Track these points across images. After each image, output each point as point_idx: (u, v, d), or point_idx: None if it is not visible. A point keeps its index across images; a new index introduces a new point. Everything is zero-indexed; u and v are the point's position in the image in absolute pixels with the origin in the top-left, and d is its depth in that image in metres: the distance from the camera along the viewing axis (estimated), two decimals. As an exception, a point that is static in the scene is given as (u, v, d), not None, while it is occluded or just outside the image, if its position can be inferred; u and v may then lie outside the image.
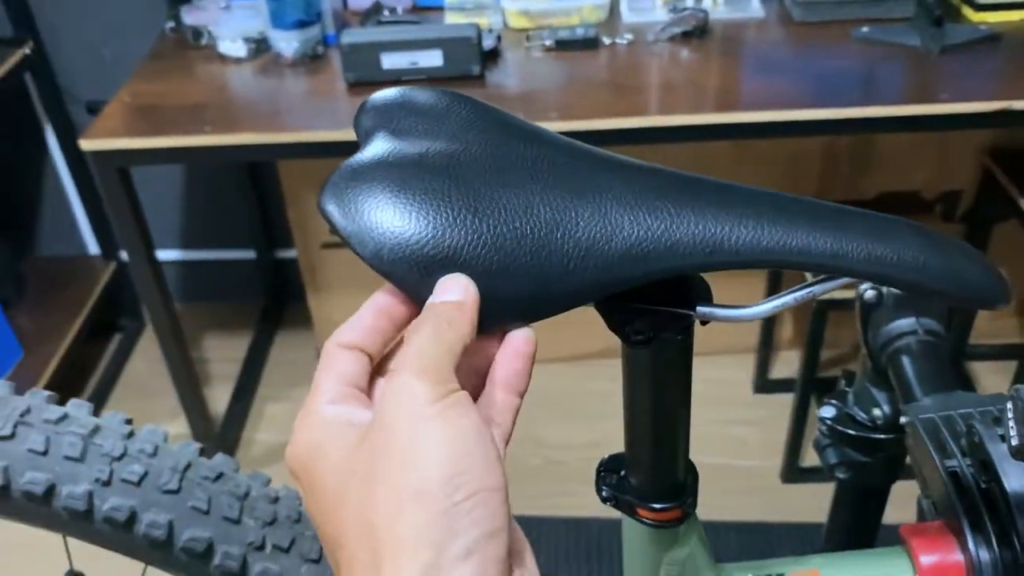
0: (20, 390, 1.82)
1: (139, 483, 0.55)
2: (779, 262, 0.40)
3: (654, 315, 0.42)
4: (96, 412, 1.91)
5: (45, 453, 0.54)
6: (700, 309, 0.42)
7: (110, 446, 0.56)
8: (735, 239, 0.40)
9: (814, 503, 1.78)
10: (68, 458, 0.54)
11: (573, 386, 2.05)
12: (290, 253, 2.18)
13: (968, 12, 1.63)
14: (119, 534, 0.55)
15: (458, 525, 0.33)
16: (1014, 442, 0.45)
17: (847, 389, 0.83)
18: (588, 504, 1.87)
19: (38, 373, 1.85)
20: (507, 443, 0.39)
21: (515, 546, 0.37)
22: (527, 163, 0.41)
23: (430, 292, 0.39)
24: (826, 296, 1.65)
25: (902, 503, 0.83)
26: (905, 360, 0.73)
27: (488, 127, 0.43)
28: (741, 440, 1.95)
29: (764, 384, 2.02)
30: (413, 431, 0.34)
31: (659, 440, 0.50)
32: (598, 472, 0.54)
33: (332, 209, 0.39)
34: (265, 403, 2.09)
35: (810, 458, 1.84)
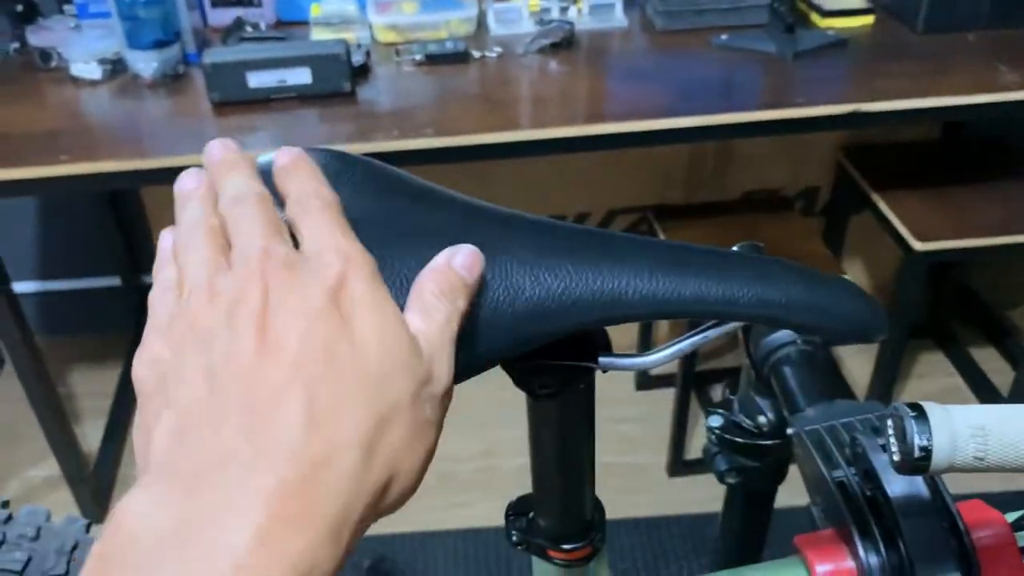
0: None
1: (22, 572, 0.51)
2: (675, 312, 0.41)
3: (559, 370, 0.42)
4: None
5: (-84, 547, 0.50)
6: (602, 360, 0.43)
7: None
8: (631, 292, 0.40)
9: (701, 494, 1.85)
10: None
11: (461, 394, 2.04)
12: (159, 278, 2.09)
13: (816, 19, 1.72)
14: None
15: None
16: (895, 458, 0.48)
17: (731, 397, 0.86)
18: (484, 515, 1.88)
19: None
20: None
21: None
22: (425, 227, 0.41)
23: None
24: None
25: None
26: (786, 370, 0.76)
27: (381, 191, 0.43)
28: (628, 438, 1.99)
29: (645, 381, 2.08)
30: None
31: (567, 485, 0.51)
32: (507, 516, 0.55)
33: None
34: (141, 437, 2.00)
35: (694, 451, 1.90)
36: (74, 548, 0.54)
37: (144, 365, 0.34)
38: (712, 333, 0.43)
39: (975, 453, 0.47)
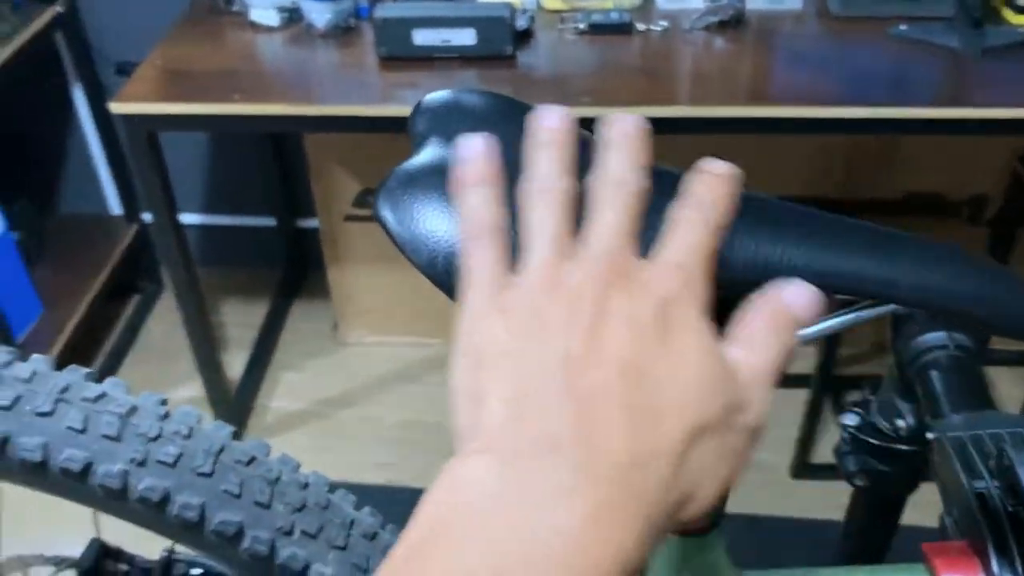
0: (39, 347, 1.84)
1: (174, 464, 0.55)
2: (830, 286, 0.40)
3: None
4: (111, 372, 1.92)
5: (83, 431, 0.55)
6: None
7: (146, 427, 0.56)
8: (788, 260, 0.39)
9: (823, 500, 1.79)
10: (106, 437, 0.55)
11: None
12: (311, 223, 2.19)
13: (1008, 15, 1.61)
14: (152, 514, 0.55)
15: None
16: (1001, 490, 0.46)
17: (871, 397, 0.83)
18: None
19: (56, 332, 1.86)
20: None
21: None
22: (582, 170, 0.41)
23: None
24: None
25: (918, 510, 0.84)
26: (934, 374, 0.73)
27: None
28: (753, 432, 1.95)
29: (780, 378, 2.02)
30: None
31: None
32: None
33: (387, 215, 0.39)
34: (280, 371, 2.11)
35: (820, 455, 1.84)
36: (220, 451, 0.58)
37: (482, 335, 0.35)
38: (866, 314, 0.42)
39: None
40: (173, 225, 1.63)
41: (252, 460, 0.59)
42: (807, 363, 1.98)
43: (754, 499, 1.79)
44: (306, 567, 0.58)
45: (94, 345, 2.12)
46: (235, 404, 1.96)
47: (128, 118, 1.46)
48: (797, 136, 1.82)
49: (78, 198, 2.21)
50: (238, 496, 0.57)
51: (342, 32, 1.64)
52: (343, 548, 0.60)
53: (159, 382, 2.07)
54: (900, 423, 0.79)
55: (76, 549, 0.78)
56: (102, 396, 0.57)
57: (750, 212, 0.41)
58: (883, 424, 0.81)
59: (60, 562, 0.79)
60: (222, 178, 2.21)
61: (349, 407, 2.03)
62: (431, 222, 0.39)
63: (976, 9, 1.51)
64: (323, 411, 2.02)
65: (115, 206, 2.20)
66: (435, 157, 0.42)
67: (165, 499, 0.55)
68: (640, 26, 1.62)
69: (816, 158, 1.89)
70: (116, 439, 0.55)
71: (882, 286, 0.40)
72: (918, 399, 0.76)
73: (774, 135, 1.81)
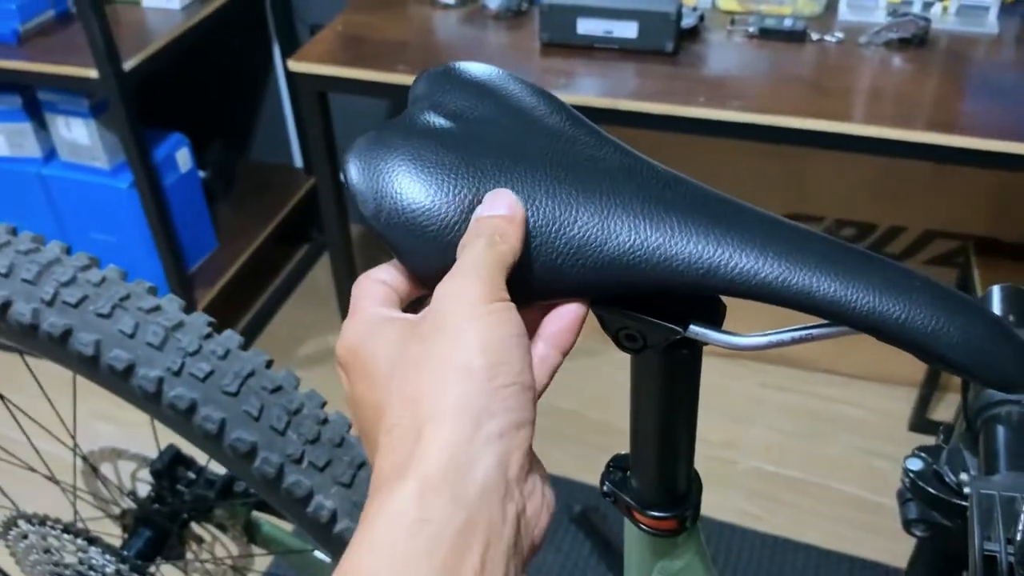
0: (208, 279, 2.00)
1: (204, 379, 0.61)
2: (775, 299, 0.39)
3: (644, 324, 0.42)
4: (273, 311, 2.06)
5: (132, 336, 0.61)
6: (693, 328, 0.42)
7: (188, 342, 0.62)
8: (732, 266, 0.39)
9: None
10: (150, 344, 0.61)
11: (734, 383, 2.01)
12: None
13: None
14: (180, 419, 0.61)
15: (495, 406, 0.35)
16: (1018, 537, 0.42)
17: (942, 445, 0.77)
18: (710, 503, 1.85)
19: (226, 267, 2.03)
20: (537, 397, 0.40)
21: (533, 456, 0.38)
22: (547, 155, 0.42)
23: (421, 262, 0.41)
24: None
25: None
26: (999, 429, 0.68)
27: (525, 112, 0.44)
28: (882, 475, 1.84)
29: (921, 423, 1.90)
30: (465, 322, 0.37)
31: (659, 448, 0.50)
32: (607, 467, 0.55)
33: (350, 166, 0.42)
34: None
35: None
36: (250, 375, 0.63)
37: None
38: (817, 332, 0.40)
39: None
40: (334, 182, 1.74)
41: (278, 389, 0.64)
42: (953, 410, 1.85)
43: (865, 541, 1.69)
44: (309, 495, 0.62)
45: (259, 284, 2.30)
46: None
47: (301, 76, 1.57)
48: (974, 170, 1.69)
49: (268, 147, 2.39)
50: (256, 418, 0.62)
51: (513, 15, 1.68)
52: (348, 485, 0.64)
53: (311, 325, 2.21)
54: (964, 477, 0.74)
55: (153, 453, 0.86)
56: (156, 308, 0.64)
57: (706, 213, 0.40)
58: (948, 475, 0.75)
59: (142, 460, 0.88)
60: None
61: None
62: (383, 179, 0.41)
63: None
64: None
65: (298, 159, 2.36)
66: (411, 121, 0.44)
67: (192, 408, 0.61)
68: (815, 35, 1.56)
69: (993, 194, 1.75)
70: (158, 348, 0.61)
71: (830, 305, 0.38)
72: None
73: (948, 166, 1.69)
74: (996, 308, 0.77)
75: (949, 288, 0.39)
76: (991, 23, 1.57)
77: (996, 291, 0.80)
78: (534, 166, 0.41)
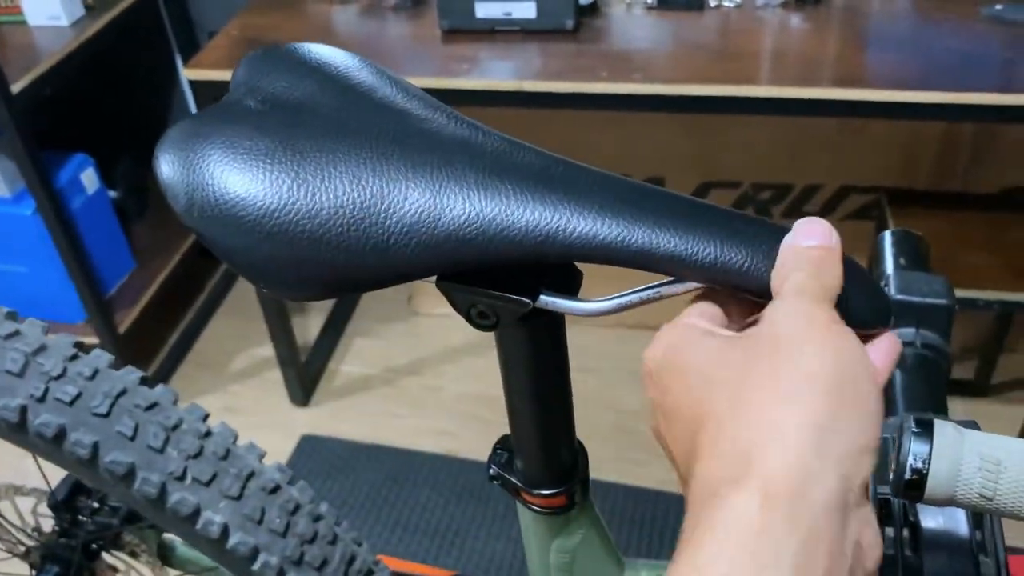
0: (128, 301, 1.93)
1: (71, 403, 0.58)
2: (617, 260, 0.38)
3: (494, 299, 0.40)
4: (200, 327, 2.00)
5: (-11, 365, 0.58)
6: (543, 298, 0.40)
7: (51, 366, 0.59)
8: (570, 231, 0.37)
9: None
10: (8, 372, 0.58)
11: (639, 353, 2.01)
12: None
13: None
14: (49, 447, 0.58)
15: (840, 425, 0.33)
16: (889, 476, 0.42)
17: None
18: (654, 476, 1.85)
19: (147, 286, 1.97)
20: None
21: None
22: (374, 131, 0.40)
23: (241, 256, 0.39)
24: (1011, 298, 1.53)
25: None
26: (896, 372, 0.68)
27: (351, 88, 0.43)
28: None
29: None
30: (808, 341, 0.35)
31: (536, 424, 0.49)
32: (493, 449, 0.53)
33: (161, 159, 0.40)
34: (354, 337, 2.17)
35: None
36: (121, 394, 0.60)
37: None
38: (666, 290, 0.39)
39: (981, 490, 0.40)
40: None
41: (154, 406, 0.61)
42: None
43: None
44: (196, 512, 0.60)
45: (185, 301, 2.24)
46: (307, 366, 2.03)
47: (198, 84, 1.53)
48: (882, 123, 1.71)
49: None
50: (132, 438, 0.59)
51: (412, 5, 1.66)
52: (237, 498, 0.61)
53: (240, 337, 2.16)
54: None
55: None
56: (14, 334, 0.60)
57: (542, 179, 0.39)
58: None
59: (41, 494, 0.85)
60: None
61: (417, 375, 2.07)
62: (195, 170, 0.39)
63: (1082, -13, 1.37)
64: (391, 378, 2.07)
65: (213, 170, 2.31)
66: (226, 107, 0.42)
67: (61, 435, 0.58)
68: (712, 2, 1.56)
69: (903, 148, 1.78)
70: (18, 375, 0.58)
71: (673, 262, 0.37)
72: (887, 400, 0.71)
73: (856, 121, 1.71)
74: (888, 252, 0.77)
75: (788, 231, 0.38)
76: (884, -24, 1.58)
77: (887, 236, 0.80)
78: (358, 144, 0.40)
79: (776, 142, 1.82)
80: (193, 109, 2.20)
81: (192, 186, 0.39)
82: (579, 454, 0.52)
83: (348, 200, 0.38)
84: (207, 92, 1.55)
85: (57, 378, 0.59)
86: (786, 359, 0.34)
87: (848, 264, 0.38)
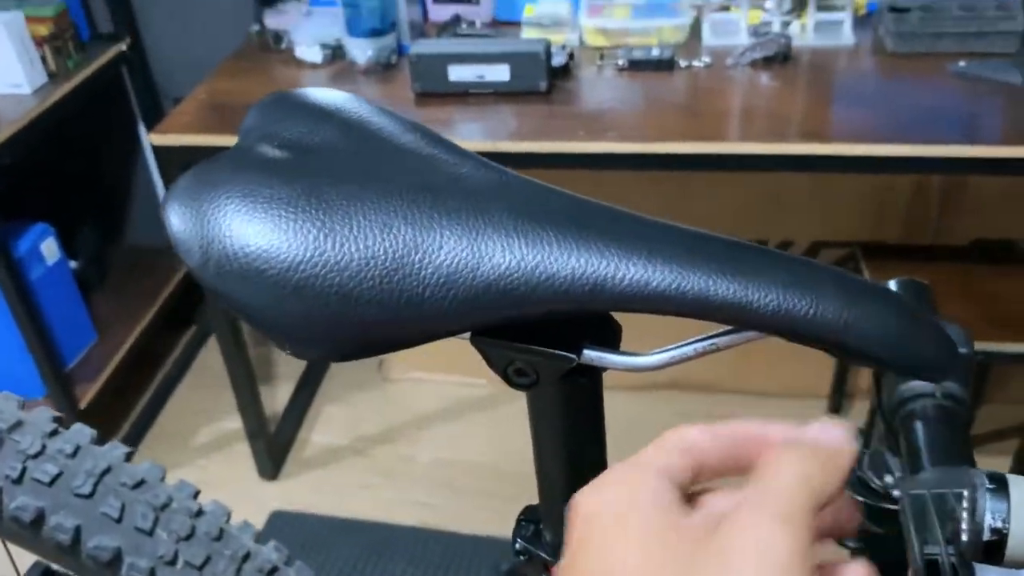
0: (90, 374, 1.87)
1: (50, 484, 0.53)
2: (672, 309, 0.35)
3: (535, 355, 0.37)
4: (164, 400, 1.93)
5: (-39, 445, 0.53)
6: (587, 353, 0.37)
7: (28, 443, 0.55)
8: (620, 278, 0.35)
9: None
10: (-19, 452, 0.53)
11: (651, 415, 1.98)
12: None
13: (1083, 50, 1.50)
14: (27, 533, 0.53)
15: None
16: (963, 538, 0.39)
17: (864, 451, 0.75)
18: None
19: (108, 358, 1.91)
20: None
21: None
22: (402, 177, 0.38)
23: (261, 314, 0.35)
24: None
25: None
26: (918, 425, 0.65)
27: (373, 134, 0.40)
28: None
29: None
30: None
31: (568, 493, 0.45)
32: (517, 521, 0.50)
33: (170, 212, 0.37)
34: (324, 405, 2.11)
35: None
36: (106, 472, 0.56)
37: None
38: (723, 340, 0.37)
39: (1064, 547, 0.37)
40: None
41: (141, 484, 0.57)
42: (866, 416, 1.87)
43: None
44: (188, 599, 0.55)
45: (148, 374, 2.17)
46: (276, 437, 1.96)
47: (164, 149, 1.50)
48: (853, 177, 1.73)
49: (144, 229, 2.28)
50: (118, 520, 0.54)
51: (383, 68, 1.65)
52: (231, 582, 0.57)
53: (207, 411, 2.09)
54: (889, 479, 0.71)
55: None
56: (-12, 410, 0.56)
57: (586, 224, 0.36)
58: (873, 480, 0.73)
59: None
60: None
61: (390, 444, 2.01)
62: (210, 222, 0.36)
63: (1042, 43, 1.41)
64: (364, 447, 2.01)
65: (176, 238, 2.26)
66: (240, 154, 0.39)
67: (39, 518, 0.53)
68: (683, 62, 1.58)
69: (873, 201, 1.79)
70: (-8, 455, 0.53)
71: (733, 309, 0.35)
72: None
73: (828, 174, 1.73)
74: (895, 304, 0.75)
75: (856, 277, 0.36)
76: (847, 35, 1.62)
77: (893, 285, 0.79)
78: (387, 190, 0.37)
79: (749, 198, 1.83)
80: (157, 177, 2.17)
81: (207, 239, 0.35)
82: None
83: (379, 250, 0.35)
84: (174, 158, 1.51)
85: (35, 456, 0.54)
86: None
87: (907, 308, 0.36)
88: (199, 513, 0.58)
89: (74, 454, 0.55)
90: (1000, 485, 0.37)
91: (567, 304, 0.35)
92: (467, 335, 0.37)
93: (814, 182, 1.77)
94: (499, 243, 0.35)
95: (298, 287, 0.35)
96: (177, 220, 0.36)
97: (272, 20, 1.74)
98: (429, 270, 0.35)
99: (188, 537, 0.56)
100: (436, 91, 1.54)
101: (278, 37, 1.73)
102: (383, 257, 0.35)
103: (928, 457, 0.64)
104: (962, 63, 1.48)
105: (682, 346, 0.37)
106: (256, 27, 1.81)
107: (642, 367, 0.37)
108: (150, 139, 1.49)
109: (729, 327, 0.36)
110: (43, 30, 1.73)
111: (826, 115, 1.45)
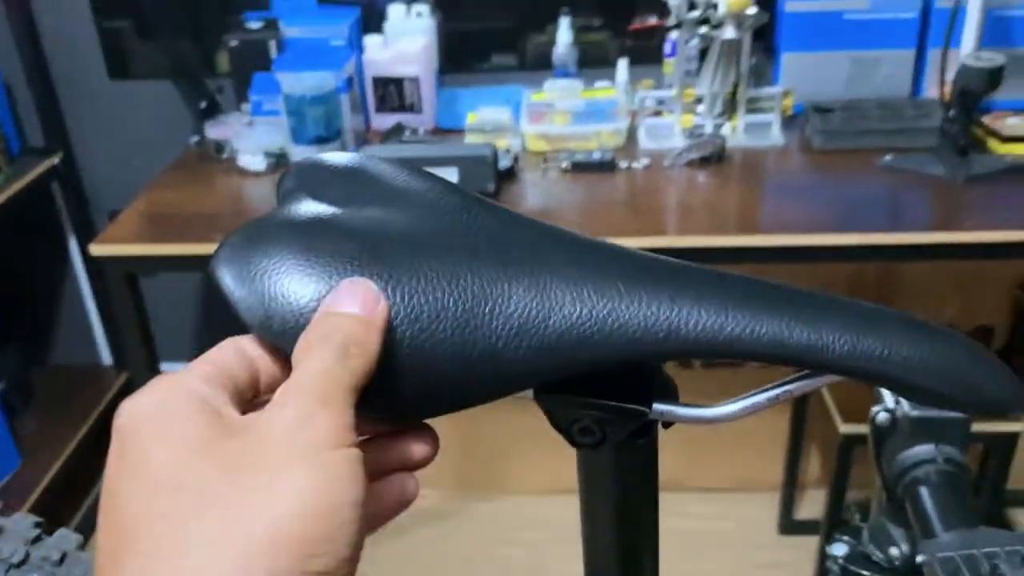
0: (15, 498, 1.75)
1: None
2: (747, 352, 0.35)
3: (603, 411, 0.36)
4: (93, 523, 1.83)
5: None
6: (657, 407, 0.37)
7: (10, 550, 0.50)
8: (693, 324, 0.34)
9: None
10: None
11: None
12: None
13: (994, 145, 1.60)
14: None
15: None
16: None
17: (861, 524, 0.75)
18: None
19: (34, 483, 1.79)
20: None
21: None
22: (459, 231, 0.37)
23: None
24: (852, 431, 1.56)
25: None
26: (923, 491, 0.66)
27: (420, 196, 0.39)
28: (765, 584, 1.82)
29: (789, 525, 1.91)
30: (295, 466, 0.28)
31: (623, 564, 0.43)
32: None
33: (223, 271, 0.35)
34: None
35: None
36: (62, 558, 0.51)
37: None
38: (795, 387, 0.37)
39: None
40: (152, 373, 1.59)
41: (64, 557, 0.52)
42: (818, 508, 1.88)
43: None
44: None
45: (77, 498, 2.04)
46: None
47: (106, 260, 1.45)
48: (791, 268, 1.79)
49: (69, 348, 2.19)
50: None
51: (328, 175, 1.65)
52: None
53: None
54: (894, 551, 0.71)
55: None
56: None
57: (651, 273, 0.36)
58: (876, 553, 0.72)
59: None
60: (214, 325, 2.19)
61: None
62: (270, 278, 0.34)
63: (960, 137, 1.50)
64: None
65: (106, 356, 2.17)
66: (291, 212, 0.38)
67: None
68: (623, 164, 1.63)
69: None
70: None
71: (807, 351, 0.34)
72: (910, 523, 0.68)
73: (767, 267, 1.78)
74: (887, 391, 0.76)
75: (918, 318, 0.37)
76: (776, 136, 1.70)
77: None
78: (449, 246, 0.36)
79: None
80: (87, 294, 2.10)
81: (269, 296, 0.34)
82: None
83: (449, 302, 0.34)
84: (115, 269, 1.47)
85: (19, 566, 0.49)
86: (254, 491, 0.28)
87: (975, 347, 0.36)
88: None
89: (61, 561, 0.51)
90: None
91: (641, 352, 0.34)
92: (530, 393, 0.36)
93: (751, 273, 1.83)
94: (567, 293, 0.35)
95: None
96: (232, 279, 0.35)
97: (214, 131, 1.73)
98: (500, 320, 0.34)
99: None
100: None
101: (219, 147, 1.72)
102: (453, 308, 0.34)
103: (940, 521, 0.65)
104: (888, 157, 1.56)
105: (755, 395, 0.37)
106: (196, 138, 1.80)
107: (716, 418, 0.37)
108: (90, 249, 1.45)
109: (802, 373, 0.36)
110: (-28, 144, 1.69)
111: (761, 209, 1.50)
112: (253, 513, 0.28)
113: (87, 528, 1.98)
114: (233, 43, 1.78)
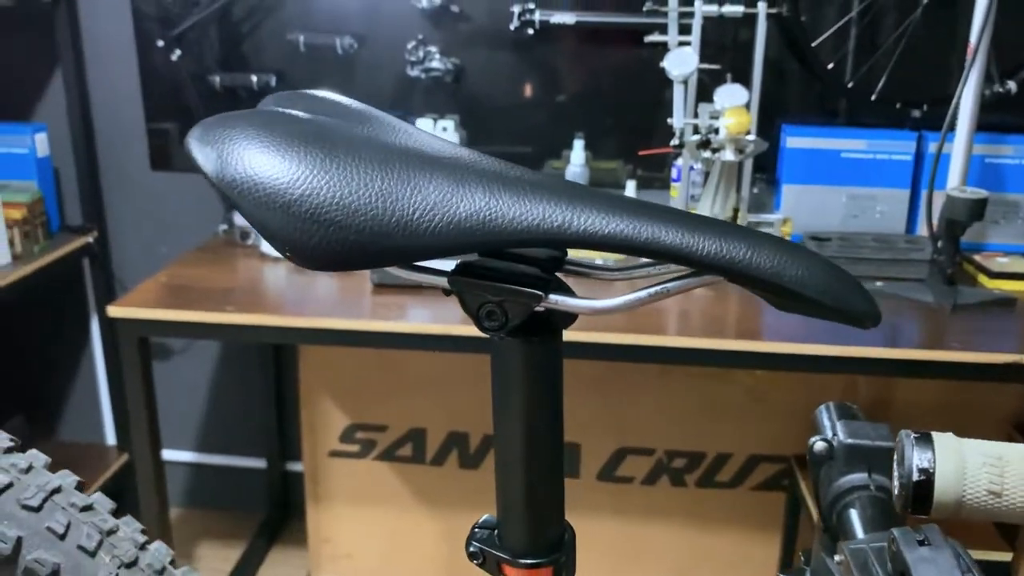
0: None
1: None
2: (627, 246, 0.40)
3: (504, 294, 0.41)
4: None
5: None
6: (552, 296, 0.42)
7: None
8: (584, 219, 0.40)
9: None
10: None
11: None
12: (298, 466, 2.17)
13: (983, 279, 1.66)
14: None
15: None
16: (895, 491, 0.42)
17: (805, 567, 0.76)
18: None
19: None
20: None
21: None
22: (399, 140, 0.44)
23: (272, 232, 0.40)
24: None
25: None
26: (852, 513, 0.68)
27: (377, 117, 0.46)
28: None
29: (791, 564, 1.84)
30: None
31: (526, 462, 0.47)
32: (472, 530, 0.50)
33: (192, 137, 0.41)
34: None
35: None
36: (56, 491, 0.55)
37: None
38: (673, 285, 0.41)
39: (988, 485, 0.40)
40: (153, 453, 1.63)
41: (89, 508, 0.55)
42: None
43: None
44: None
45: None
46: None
47: (122, 322, 1.52)
48: (786, 391, 1.82)
49: (78, 425, 2.24)
50: (62, 537, 0.53)
51: (342, 264, 1.73)
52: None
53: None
54: (832, 587, 0.72)
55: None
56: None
57: (556, 185, 0.42)
58: (817, 593, 0.73)
59: None
60: (218, 416, 2.23)
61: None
62: (229, 141, 0.41)
63: (948, 266, 1.56)
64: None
65: (111, 435, 2.21)
66: (260, 109, 0.44)
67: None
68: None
69: (806, 415, 1.87)
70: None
71: (679, 249, 0.40)
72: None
73: (764, 392, 1.81)
74: (827, 417, 0.80)
75: (787, 239, 0.42)
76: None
77: (823, 409, 0.85)
78: (386, 145, 0.43)
79: (687, 410, 1.89)
80: (101, 374, 2.16)
81: (225, 151, 0.40)
82: (566, 529, 0.50)
83: (378, 176, 0.40)
84: (129, 331, 1.54)
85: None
86: None
87: (834, 264, 0.41)
88: (144, 546, 0.57)
89: (27, 470, 0.55)
90: (924, 438, 0.41)
91: (535, 238, 0.40)
92: (444, 280, 0.41)
93: (747, 394, 1.85)
94: (481, 186, 0.41)
95: (301, 198, 0.39)
96: (196, 143, 0.41)
97: (241, 219, 1.84)
98: (419, 198, 0.40)
99: (131, 565, 0.54)
100: (392, 283, 1.62)
101: (245, 233, 1.82)
102: (380, 182, 0.40)
103: (863, 529, 0.66)
104: (879, 283, 1.62)
105: (637, 291, 0.42)
106: (224, 226, 1.91)
107: (602, 309, 0.41)
108: (108, 311, 1.52)
109: (676, 274, 0.41)
110: (16, 215, 1.80)
111: (760, 320, 1.55)
112: None
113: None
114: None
